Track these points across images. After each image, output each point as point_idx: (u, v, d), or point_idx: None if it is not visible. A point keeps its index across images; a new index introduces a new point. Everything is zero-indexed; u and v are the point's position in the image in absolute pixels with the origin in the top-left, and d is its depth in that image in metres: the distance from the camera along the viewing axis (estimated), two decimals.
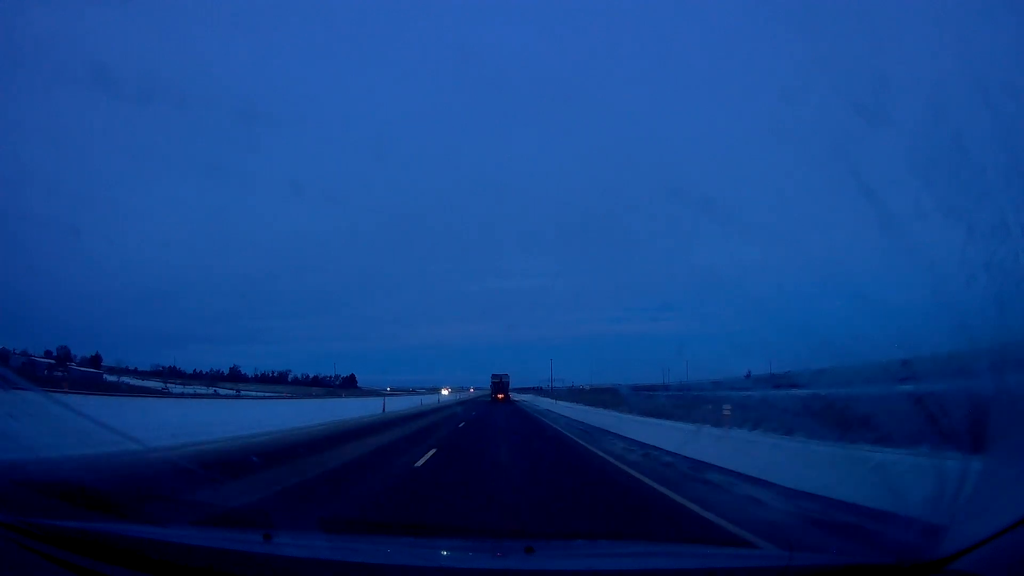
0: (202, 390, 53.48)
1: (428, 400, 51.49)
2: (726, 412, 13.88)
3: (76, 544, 2.06)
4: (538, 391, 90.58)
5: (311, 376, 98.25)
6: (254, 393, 56.47)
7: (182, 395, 41.59)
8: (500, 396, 62.85)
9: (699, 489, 7.28)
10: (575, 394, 56.81)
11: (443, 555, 2.74)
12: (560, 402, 48.66)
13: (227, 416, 18.34)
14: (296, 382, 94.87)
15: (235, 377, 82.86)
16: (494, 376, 65.62)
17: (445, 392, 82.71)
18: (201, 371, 78.25)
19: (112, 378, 50.63)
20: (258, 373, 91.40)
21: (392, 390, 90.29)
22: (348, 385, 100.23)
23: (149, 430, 10.09)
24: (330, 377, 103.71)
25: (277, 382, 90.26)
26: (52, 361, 51.01)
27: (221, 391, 56.26)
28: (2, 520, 2.14)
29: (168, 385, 52.19)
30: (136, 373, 61.32)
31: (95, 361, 59.79)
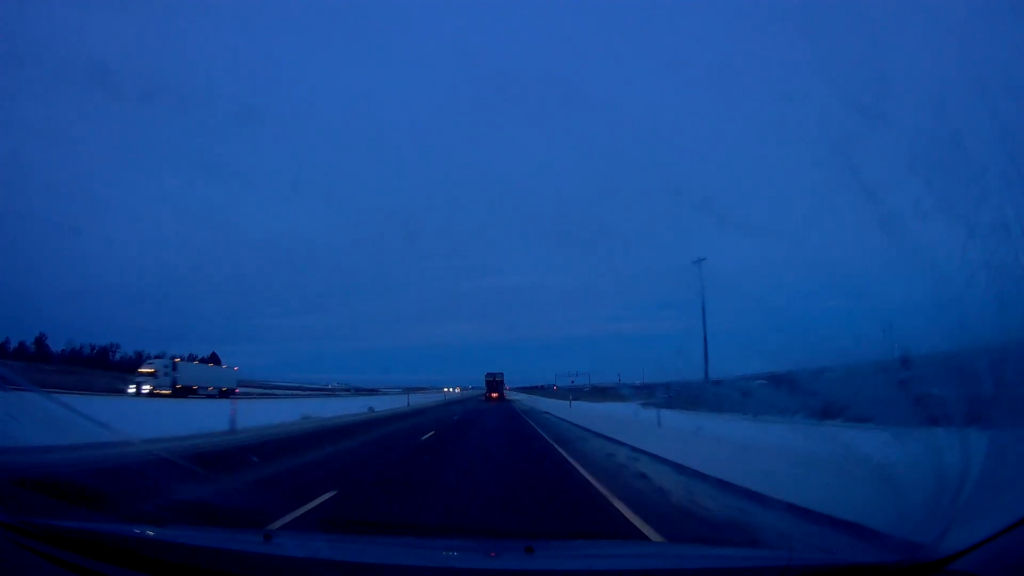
0: None
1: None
2: None
3: (76, 544, 2.06)
4: (538, 390, 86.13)
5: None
6: None
7: None
8: (494, 395, 62.41)
9: None
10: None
11: (443, 555, 2.74)
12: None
13: None
14: (118, 366, 60.86)
15: (41, 354, 58.80)
16: (488, 375, 65.42)
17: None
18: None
19: None
20: (68, 349, 62.36)
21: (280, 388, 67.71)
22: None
23: None
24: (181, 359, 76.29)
25: (94, 364, 59.16)
26: None
27: None
28: (2, 520, 2.14)
29: None
30: None
31: None
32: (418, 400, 51.74)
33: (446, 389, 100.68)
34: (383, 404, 37.31)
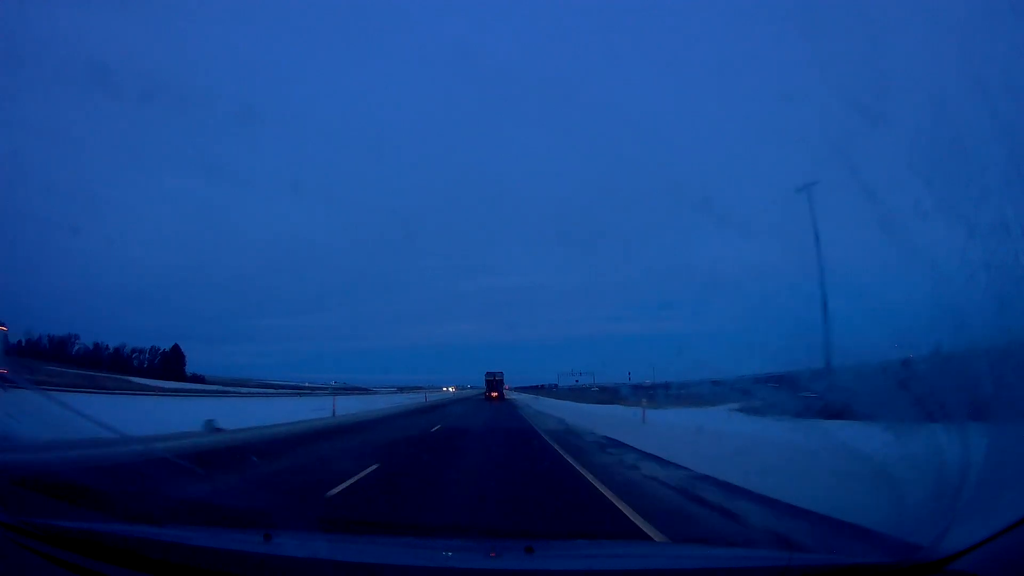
0: None
1: None
2: None
3: (76, 544, 2.06)
4: (538, 389, 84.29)
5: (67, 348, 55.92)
6: None
7: None
8: (494, 395, 61.61)
9: None
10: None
11: (443, 555, 2.74)
12: None
13: None
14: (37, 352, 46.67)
15: None
16: (488, 374, 64.86)
17: None
18: None
19: None
20: (24, 340, 42.35)
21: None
22: (168, 367, 59.51)
23: None
24: (140, 353, 60.04)
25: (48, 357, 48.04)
26: None
27: None
28: (2, 520, 2.14)
29: None
30: None
31: None
32: (374, 406, 34.06)
33: (445, 388, 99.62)
34: (294, 412, 22.53)
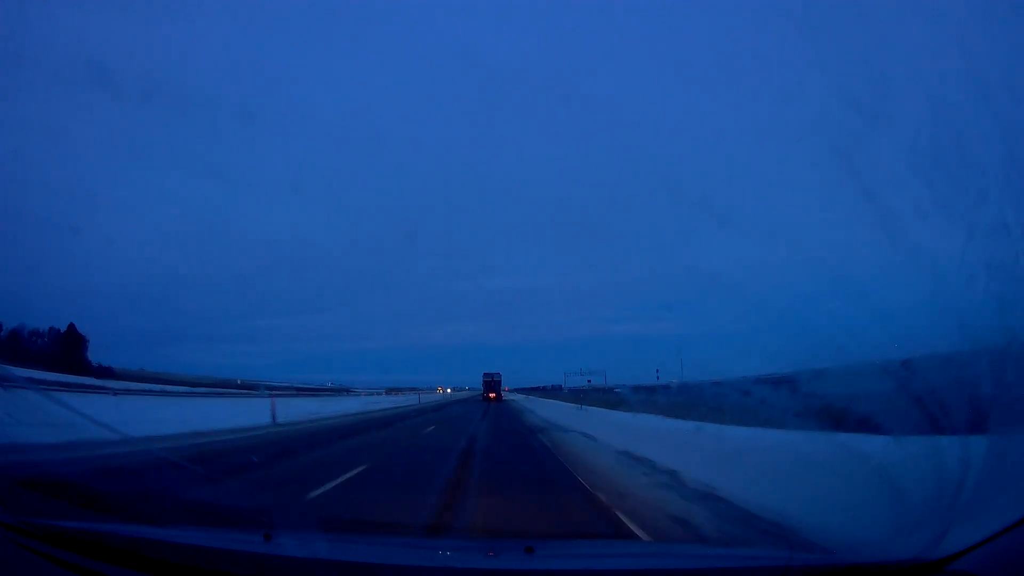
0: None
1: None
2: None
3: (76, 544, 2.06)
4: (537, 391, 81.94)
5: None
6: None
7: None
8: (492, 396, 61.40)
9: None
10: None
11: (443, 555, 2.74)
12: None
13: None
14: None
15: None
16: (485, 375, 64.58)
17: None
18: None
19: None
20: None
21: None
22: (66, 354, 45.72)
23: None
24: (38, 336, 48.72)
25: None
26: None
27: None
28: (2, 520, 2.14)
29: None
30: None
31: None
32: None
33: (441, 389, 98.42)
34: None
